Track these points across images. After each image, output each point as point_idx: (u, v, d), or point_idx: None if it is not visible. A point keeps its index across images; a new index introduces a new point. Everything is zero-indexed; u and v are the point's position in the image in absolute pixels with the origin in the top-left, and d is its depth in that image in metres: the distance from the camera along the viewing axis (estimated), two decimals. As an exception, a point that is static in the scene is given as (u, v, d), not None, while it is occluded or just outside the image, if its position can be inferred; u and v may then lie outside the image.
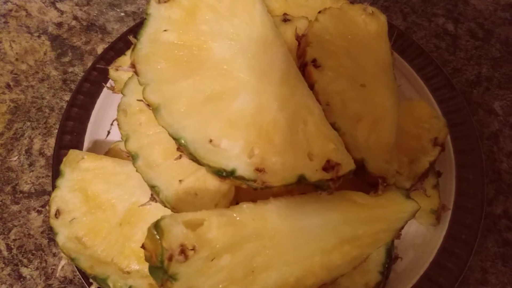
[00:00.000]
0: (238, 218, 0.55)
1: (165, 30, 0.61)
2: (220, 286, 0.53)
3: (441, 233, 0.77)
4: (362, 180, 0.67)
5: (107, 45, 0.96)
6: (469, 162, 0.82)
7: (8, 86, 0.99)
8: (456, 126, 0.85)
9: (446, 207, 0.78)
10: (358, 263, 0.65)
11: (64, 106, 0.96)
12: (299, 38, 0.71)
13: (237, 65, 0.59)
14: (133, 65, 0.60)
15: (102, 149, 0.83)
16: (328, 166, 0.59)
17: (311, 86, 0.65)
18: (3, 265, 0.81)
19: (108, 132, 0.79)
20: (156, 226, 0.50)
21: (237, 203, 0.60)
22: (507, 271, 0.81)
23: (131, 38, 0.87)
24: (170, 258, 0.48)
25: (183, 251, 0.49)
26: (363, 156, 0.64)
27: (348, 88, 0.67)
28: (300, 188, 0.62)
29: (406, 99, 0.90)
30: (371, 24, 0.75)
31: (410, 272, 0.75)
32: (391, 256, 0.71)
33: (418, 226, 0.79)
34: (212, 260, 0.51)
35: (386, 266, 0.69)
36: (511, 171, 0.91)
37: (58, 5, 1.11)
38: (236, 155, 0.57)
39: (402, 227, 0.65)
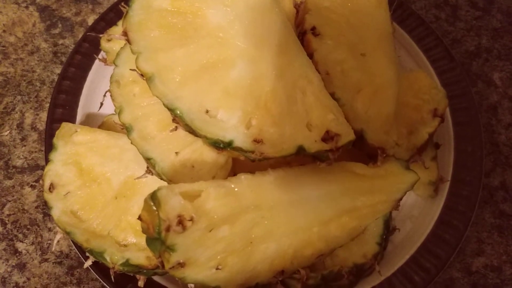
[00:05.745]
0: (236, 189, 0.54)
1: (158, -4, 0.59)
2: (219, 257, 0.52)
3: (438, 205, 0.77)
4: (361, 151, 0.67)
5: (98, 16, 0.93)
6: (468, 134, 0.82)
7: (-4, 59, 0.96)
8: (456, 98, 0.84)
9: (444, 179, 0.77)
10: (356, 234, 0.65)
11: (55, 79, 0.93)
12: (297, 6, 0.69)
13: (234, 33, 0.57)
14: (125, 33, 0.57)
15: (96, 122, 0.81)
16: (327, 136, 0.58)
17: (310, 55, 0.63)
18: (-2, 240, 0.80)
19: (101, 104, 0.77)
20: (153, 197, 0.49)
21: (234, 175, 0.59)
22: (502, 241, 0.82)
23: (122, 6, 0.85)
24: (168, 229, 0.48)
25: (180, 221, 0.48)
26: (363, 127, 0.64)
27: (348, 58, 0.65)
28: (298, 159, 0.61)
29: (406, 70, 0.89)
30: (371, -8, 0.73)
31: (407, 243, 0.75)
32: (389, 227, 0.71)
33: (416, 197, 0.79)
34: (210, 231, 0.51)
35: (384, 237, 0.69)
36: (509, 143, 0.90)
37: (46, -26, 1.06)
38: (233, 126, 0.55)
39: (401, 198, 0.65)
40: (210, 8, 0.58)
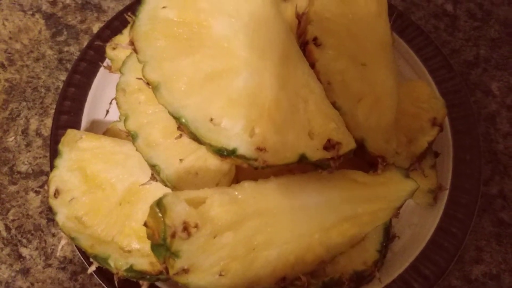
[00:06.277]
0: (239, 196, 0.55)
1: (164, 7, 0.60)
2: (222, 263, 0.53)
3: (438, 213, 0.78)
4: (362, 159, 0.68)
5: (103, 24, 0.95)
6: (466, 143, 0.83)
7: (2, 65, 0.98)
8: (454, 107, 0.85)
9: (443, 187, 0.78)
10: (356, 241, 0.66)
11: (60, 86, 0.95)
12: (299, 17, 0.70)
13: (238, 43, 0.59)
14: (132, 42, 0.59)
15: (100, 129, 0.82)
16: (329, 145, 0.59)
17: (312, 65, 0.64)
18: (3, 245, 0.81)
19: (107, 111, 0.78)
20: (159, 203, 0.50)
21: (237, 182, 0.60)
22: (501, 249, 0.83)
23: (127, 16, 0.87)
24: (173, 235, 0.49)
25: (186, 228, 0.49)
26: (363, 136, 0.65)
27: (349, 67, 0.66)
28: (300, 167, 0.62)
29: (405, 80, 0.90)
30: (371, 3, 0.74)
31: (407, 250, 0.76)
32: (389, 235, 0.71)
33: (415, 205, 0.80)
34: (214, 237, 0.52)
35: (384, 244, 0.70)
36: (507, 152, 0.92)
37: (52, -18, 1.08)
38: (237, 134, 0.57)
39: (401, 206, 0.66)
40: (215, 18, 0.60)
